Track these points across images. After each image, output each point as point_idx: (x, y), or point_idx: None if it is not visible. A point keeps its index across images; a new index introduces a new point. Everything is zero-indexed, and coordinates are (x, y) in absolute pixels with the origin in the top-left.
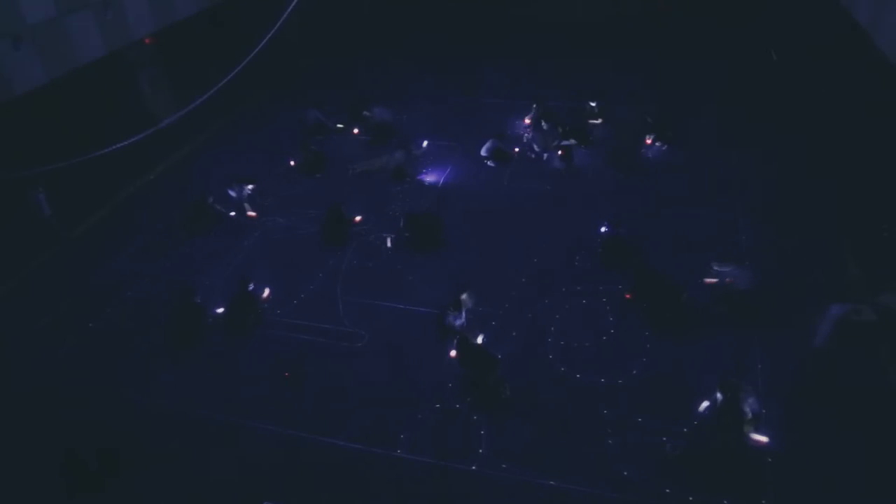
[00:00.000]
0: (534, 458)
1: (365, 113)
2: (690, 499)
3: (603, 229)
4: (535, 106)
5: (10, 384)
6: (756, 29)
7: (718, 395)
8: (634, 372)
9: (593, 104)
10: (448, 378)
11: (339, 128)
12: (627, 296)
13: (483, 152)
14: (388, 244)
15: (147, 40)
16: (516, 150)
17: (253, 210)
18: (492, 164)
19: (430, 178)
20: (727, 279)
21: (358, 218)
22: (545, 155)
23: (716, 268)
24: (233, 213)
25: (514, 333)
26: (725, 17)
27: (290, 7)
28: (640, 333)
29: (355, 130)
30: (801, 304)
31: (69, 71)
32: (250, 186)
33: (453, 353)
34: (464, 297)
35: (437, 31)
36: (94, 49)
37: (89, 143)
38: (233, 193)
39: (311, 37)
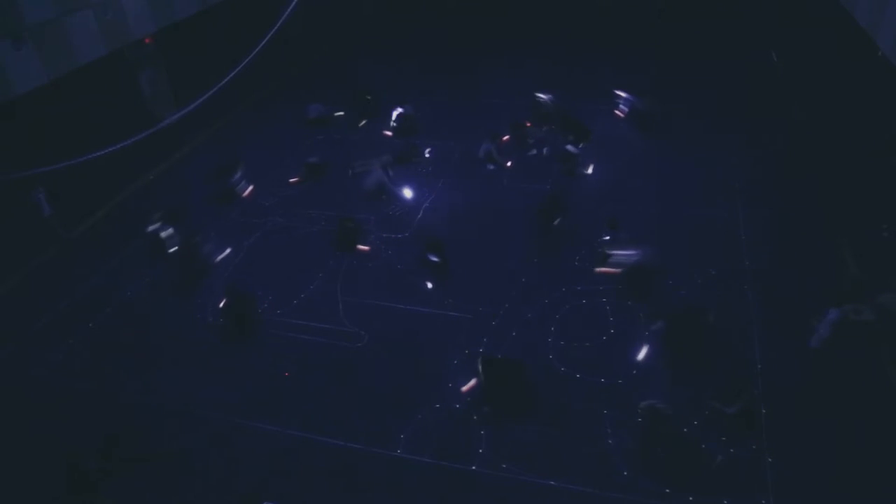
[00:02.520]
0: (534, 458)
1: (399, 110)
2: (690, 499)
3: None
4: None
5: (10, 384)
6: (757, 30)
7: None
8: (634, 372)
9: (543, 97)
10: (448, 378)
11: (339, 115)
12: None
13: (480, 154)
14: (429, 285)
15: (147, 40)
16: (509, 164)
17: (246, 190)
18: (492, 167)
19: (413, 193)
20: (625, 262)
21: (365, 248)
22: (545, 150)
23: (609, 252)
24: (221, 256)
25: (513, 333)
26: (726, 18)
27: (291, 7)
28: (640, 334)
29: (387, 132)
30: (801, 304)
31: (69, 71)
32: (238, 173)
33: (466, 387)
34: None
35: (437, 30)
36: (94, 49)
37: (89, 143)
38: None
39: (312, 36)
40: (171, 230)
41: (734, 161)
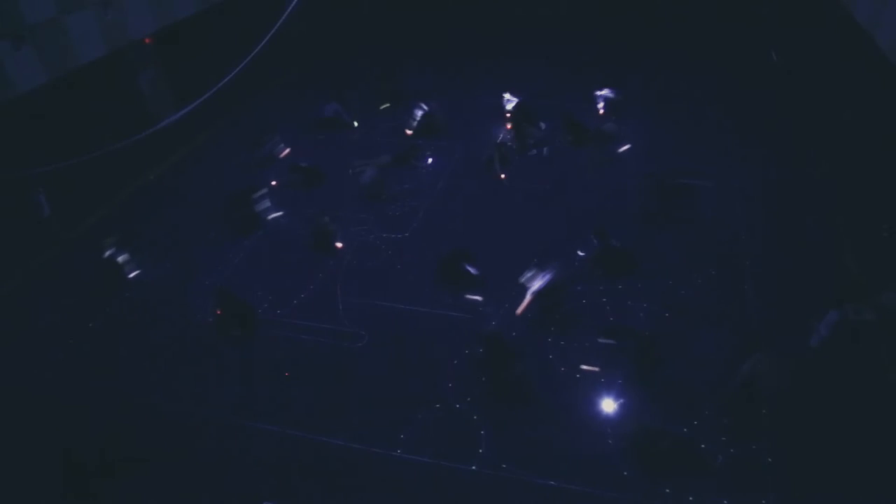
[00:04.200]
0: (534, 458)
1: (424, 107)
2: (690, 499)
3: (581, 253)
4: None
5: (10, 384)
6: (756, 29)
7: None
8: (634, 372)
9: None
10: (448, 378)
11: (355, 125)
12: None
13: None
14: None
15: (147, 40)
16: (502, 176)
17: (283, 152)
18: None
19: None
20: (540, 287)
21: (339, 245)
22: (545, 150)
23: (524, 281)
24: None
25: (514, 333)
26: (726, 18)
27: (291, 6)
28: (639, 334)
29: (408, 131)
30: (801, 304)
31: (69, 71)
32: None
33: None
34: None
35: (439, 29)
36: (94, 49)
37: (89, 143)
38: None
39: (311, 36)
40: (127, 254)
41: (733, 160)
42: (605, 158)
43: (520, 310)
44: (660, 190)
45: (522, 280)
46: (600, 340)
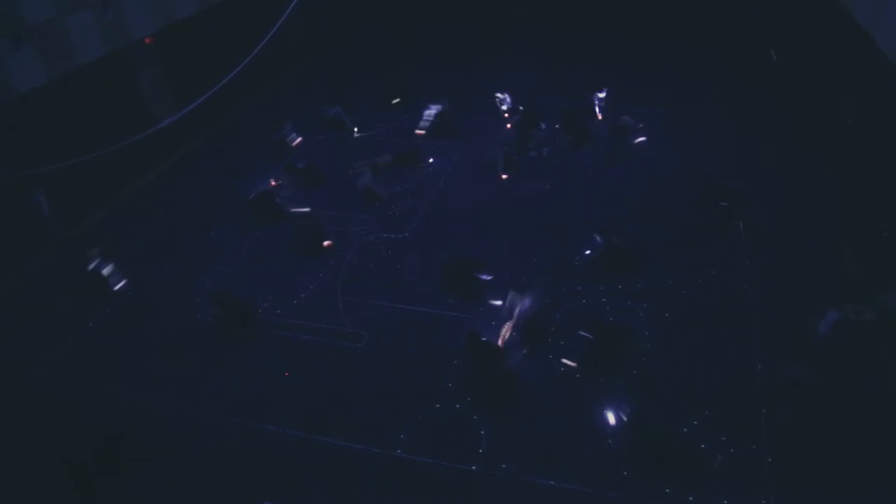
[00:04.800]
0: (534, 458)
1: (432, 109)
2: (690, 499)
3: (587, 252)
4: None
5: (10, 384)
6: (756, 30)
7: None
8: (634, 372)
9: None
10: (448, 378)
11: (356, 132)
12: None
13: (488, 160)
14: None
15: (147, 40)
16: (504, 176)
17: (295, 140)
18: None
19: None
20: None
21: (328, 243)
22: (546, 151)
23: (506, 307)
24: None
25: (513, 333)
26: (725, 18)
27: (291, 7)
28: (639, 333)
29: (419, 131)
30: (801, 304)
31: (69, 71)
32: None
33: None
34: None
35: (438, 29)
36: (94, 49)
37: (89, 143)
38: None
39: (311, 37)
40: (112, 266)
41: (733, 161)
42: (620, 153)
43: (501, 340)
44: (705, 194)
45: (501, 310)
46: (580, 333)
